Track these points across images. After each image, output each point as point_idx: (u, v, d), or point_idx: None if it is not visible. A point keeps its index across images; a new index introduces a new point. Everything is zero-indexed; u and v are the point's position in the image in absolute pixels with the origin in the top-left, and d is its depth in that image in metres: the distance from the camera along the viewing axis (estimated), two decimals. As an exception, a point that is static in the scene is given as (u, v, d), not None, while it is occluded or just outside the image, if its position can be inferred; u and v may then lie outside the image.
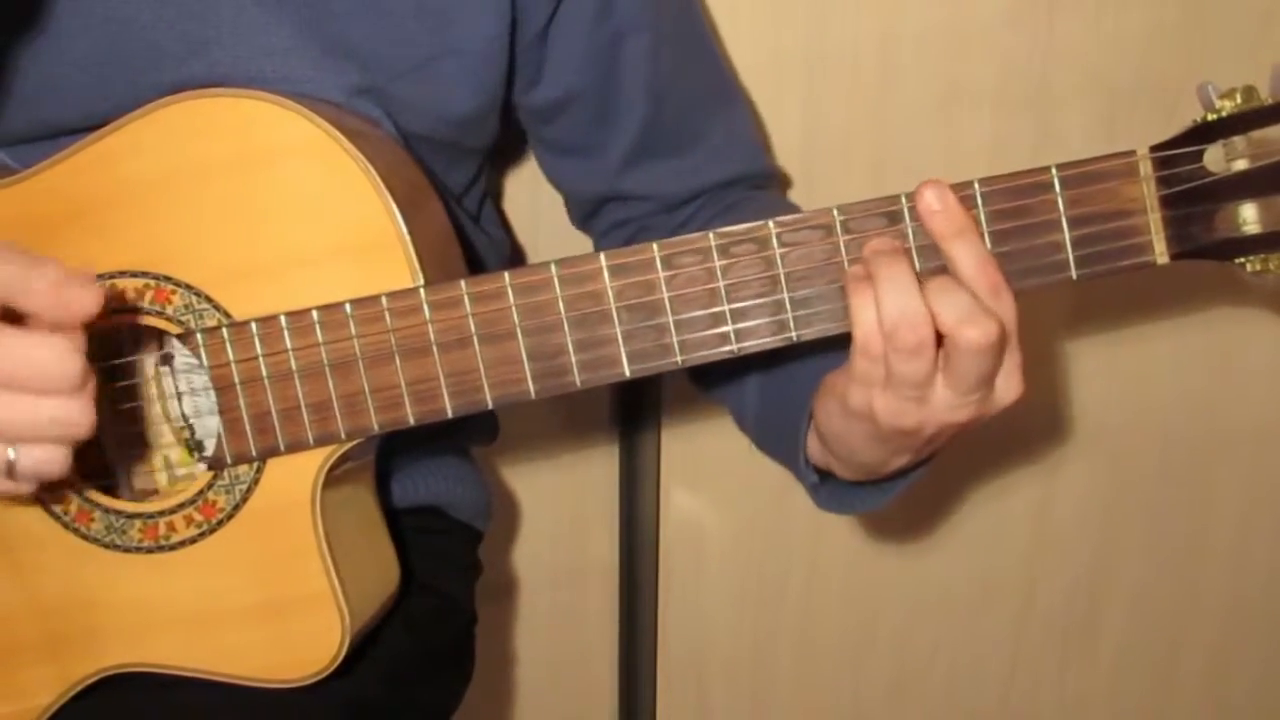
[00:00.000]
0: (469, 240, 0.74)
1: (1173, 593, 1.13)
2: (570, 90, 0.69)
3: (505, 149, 0.90)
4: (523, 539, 1.04)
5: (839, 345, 0.55)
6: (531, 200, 0.93)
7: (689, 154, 0.72)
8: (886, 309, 0.51)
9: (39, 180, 0.59)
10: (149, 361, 0.64)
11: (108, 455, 0.64)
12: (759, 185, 0.76)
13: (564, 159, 0.74)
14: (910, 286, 0.51)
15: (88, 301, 0.48)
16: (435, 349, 0.56)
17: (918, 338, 0.50)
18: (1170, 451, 1.08)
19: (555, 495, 1.03)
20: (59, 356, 0.47)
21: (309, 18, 0.61)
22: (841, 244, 0.54)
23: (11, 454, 0.49)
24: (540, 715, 1.10)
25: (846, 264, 0.54)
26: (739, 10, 0.87)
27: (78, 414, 0.48)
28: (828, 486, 0.65)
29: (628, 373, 0.56)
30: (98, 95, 0.60)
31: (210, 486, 0.59)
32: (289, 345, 0.57)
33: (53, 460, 0.50)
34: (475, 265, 0.75)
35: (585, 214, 0.78)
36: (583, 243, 0.86)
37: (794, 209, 0.76)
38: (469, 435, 0.84)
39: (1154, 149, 0.53)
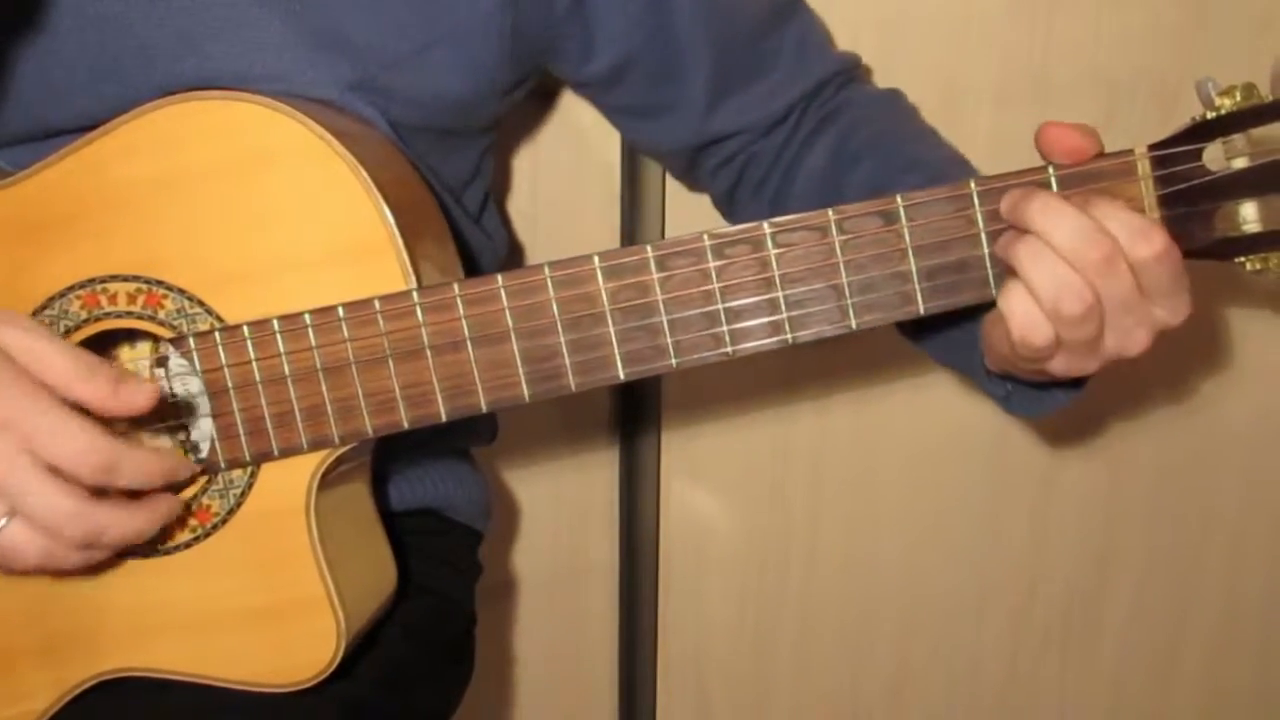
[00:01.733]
0: (466, 240, 0.74)
1: (1172, 592, 1.13)
2: (624, 56, 0.67)
3: (504, 144, 0.90)
4: (523, 539, 1.04)
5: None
6: (530, 198, 0.93)
7: (768, 76, 0.70)
8: (1041, 289, 0.51)
9: (31, 184, 0.58)
10: (144, 364, 0.64)
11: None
12: (845, 82, 0.74)
13: (643, 122, 0.73)
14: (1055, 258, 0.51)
15: (140, 398, 0.51)
16: (429, 352, 0.56)
17: (1084, 305, 0.51)
18: (1169, 451, 1.08)
19: (555, 495, 1.03)
20: (90, 442, 0.49)
21: (299, 11, 0.60)
22: (837, 245, 0.54)
23: (2, 522, 0.50)
24: (540, 715, 1.10)
25: (842, 265, 0.54)
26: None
27: (70, 514, 0.50)
28: (1016, 394, 0.63)
29: (622, 375, 0.55)
30: (90, 94, 0.60)
31: (204, 491, 0.59)
32: (282, 349, 0.56)
33: (27, 548, 0.50)
34: (472, 265, 0.75)
35: (684, 167, 0.76)
36: (584, 240, 0.86)
37: (899, 109, 0.74)
38: (468, 436, 0.84)
39: (1152, 147, 0.52)
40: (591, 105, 0.75)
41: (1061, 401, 0.63)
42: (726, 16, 0.68)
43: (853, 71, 0.75)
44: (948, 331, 0.65)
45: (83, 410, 0.51)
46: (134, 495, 0.54)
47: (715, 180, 0.76)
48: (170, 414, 0.63)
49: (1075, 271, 0.51)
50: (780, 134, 0.72)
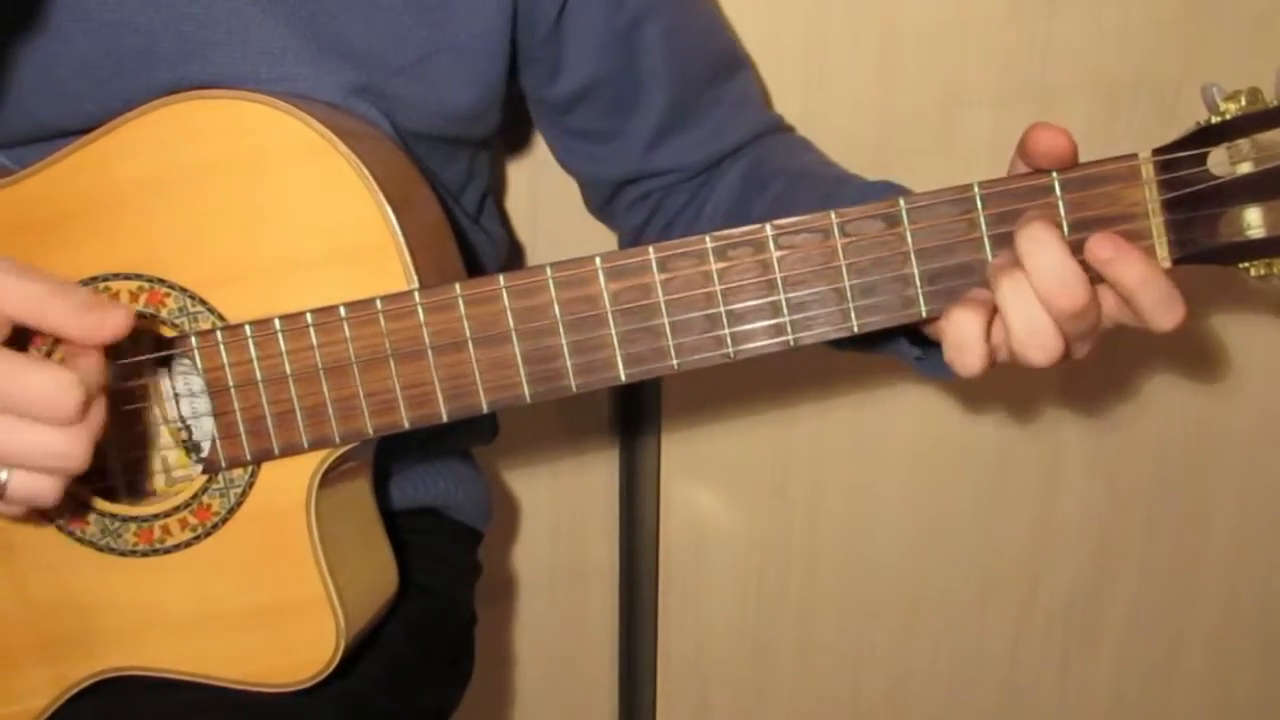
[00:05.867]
0: (467, 239, 0.74)
1: (1172, 592, 1.13)
2: (591, 80, 0.68)
3: (504, 144, 0.90)
4: (523, 539, 1.04)
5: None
6: (530, 198, 0.93)
7: (707, 122, 0.72)
8: (1013, 331, 0.52)
9: (33, 182, 0.58)
10: (147, 363, 0.64)
11: (105, 457, 0.63)
12: (770, 137, 0.76)
13: (588, 147, 0.73)
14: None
15: (115, 321, 0.49)
16: (430, 352, 0.56)
17: (1048, 356, 0.52)
18: (1169, 452, 1.08)
19: (555, 495, 1.03)
20: (61, 388, 0.48)
21: (304, 16, 0.60)
22: (839, 247, 0.54)
23: (3, 476, 0.50)
24: (540, 715, 1.10)
25: (844, 268, 0.54)
26: (739, 9, 0.86)
27: (72, 448, 0.49)
28: (930, 360, 0.64)
29: (623, 377, 0.55)
30: (94, 97, 0.60)
31: (205, 490, 0.59)
32: (283, 348, 0.56)
33: (44, 489, 0.50)
34: (473, 264, 0.75)
35: (606, 198, 0.77)
36: (583, 239, 0.86)
37: (814, 150, 0.76)
38: (468, 435, 0.84)
39: (1156, 152, 0.52)
40: (536, 122, 0.75)
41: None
42: (688, 58, 0.70)
43: (779, 128, 0.78)
44: None
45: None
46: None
47: (629, 214, 0.77)
48: (172, 413, 0.63)
49: (1049, 318, 0.51)
50: (702, 179, 0.74)
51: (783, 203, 0.68)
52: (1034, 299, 0.51)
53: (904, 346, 0.63)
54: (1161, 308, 0.51)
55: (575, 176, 0.78)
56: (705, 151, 0.73)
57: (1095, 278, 0.52)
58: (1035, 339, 0.51)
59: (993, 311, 0.53)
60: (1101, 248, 0.51)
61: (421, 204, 0.61)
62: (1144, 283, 0.51)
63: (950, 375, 0.63)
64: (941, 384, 1.01)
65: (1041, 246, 0.51)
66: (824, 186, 0.67)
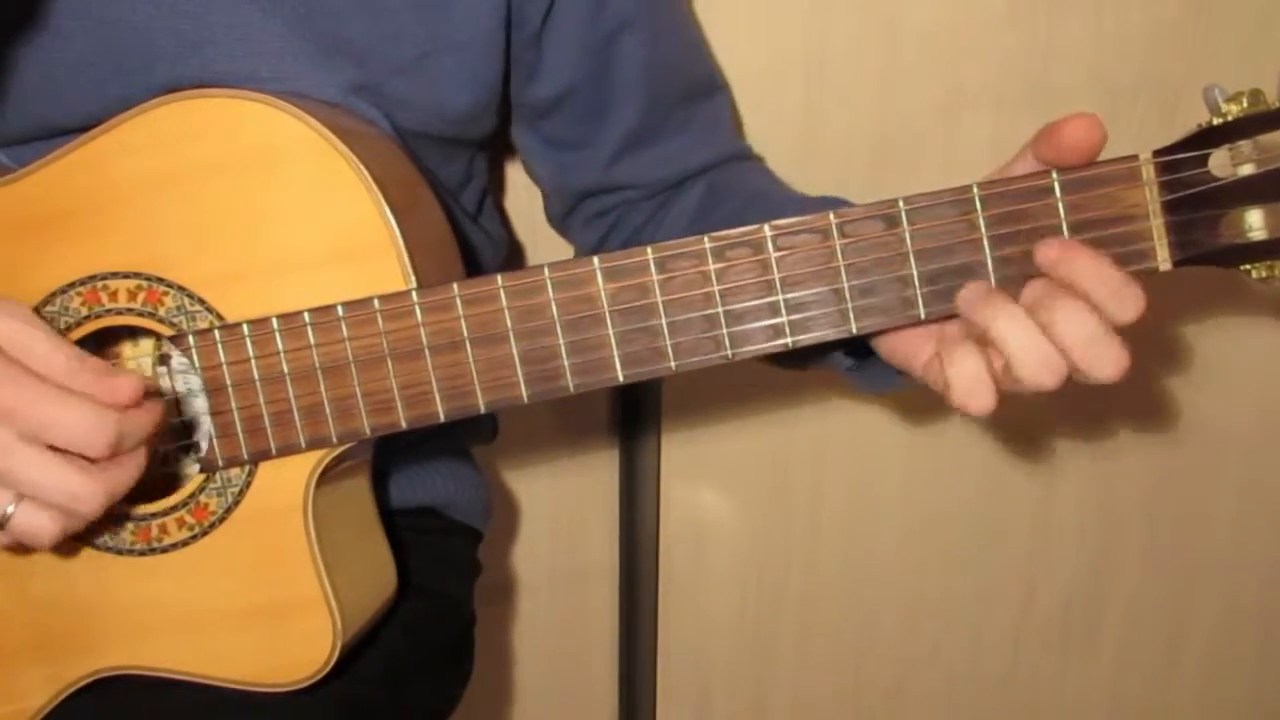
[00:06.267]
0: (467, 238, 0.74)
1: (1172, 593, 1.13)
2: (567, 86, 0.69)
3: (504, 144, 0.90)
4: (523, 539, 1.04)
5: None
6: (530, 198, 0.93)
7: (673, 141, 0.73)
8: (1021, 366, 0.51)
9: (31, 180, 0.58)
10: (146, 362, 0.64)
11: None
12: (737, 163, 0.77)
13: (556, 154, 0.74)
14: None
15: (126, 390, 0.51)
16: (427, 352, 0.56)
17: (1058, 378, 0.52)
18: (1169, 452, 1.08)
19: (555, 495, 1.03)
20: (92, 420, 0.49)
21: (303, 15, 0.60)
22: (838, 248, 0.54)
23: (10, 509, 0.50)
24: (540, 715, 1.10)
25: (843, 268, 0.54)
26: (739, 10, 0.86)
27: (88, 491, 0.50)
28: (864, 370, 0.63)
29: (621, 377, 0.55)
30: (93, 96, 0.60)
31: (202, 489, 0.59)
32: (281, 347, 0.56)
33: (44, 529, 0.51)
34: (473, 264, 0.75)
35: (568, 208, 0.77)
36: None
37: (778, 180, 0.76)
38: (468, 435, 0.84)
39: (1157, 153, 0.52)
40: (513, 128, 0.75)
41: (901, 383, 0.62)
42: (663, 75, 0.70)
43: (746, 156, 0.78)
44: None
45: None
46: None
47: (585, 231, 0.77)
48: (170, 412, 0.62)
49: (1052, 344, 0.51)
50: (661, 199, 0.74)
51: (737, 219, 0.68)
52: (1034, 330, 0.50)
53: (838, 358, 0.63)
54: (1117, 299, 0.50)
55: (541, 185, 0.78)
56: (666, 171, 0.73)
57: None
58: (1045, 364, 0.51)
59: (984, 345, 0.52)
60: (1048, 250, 0.51)
61: (422, 203, 0.61)
62: (1096, 276, 0.50)
63: (883, 389, 0.63)
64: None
65: (1075, 314, 0.50)
66: (783, 205, 0.67)
